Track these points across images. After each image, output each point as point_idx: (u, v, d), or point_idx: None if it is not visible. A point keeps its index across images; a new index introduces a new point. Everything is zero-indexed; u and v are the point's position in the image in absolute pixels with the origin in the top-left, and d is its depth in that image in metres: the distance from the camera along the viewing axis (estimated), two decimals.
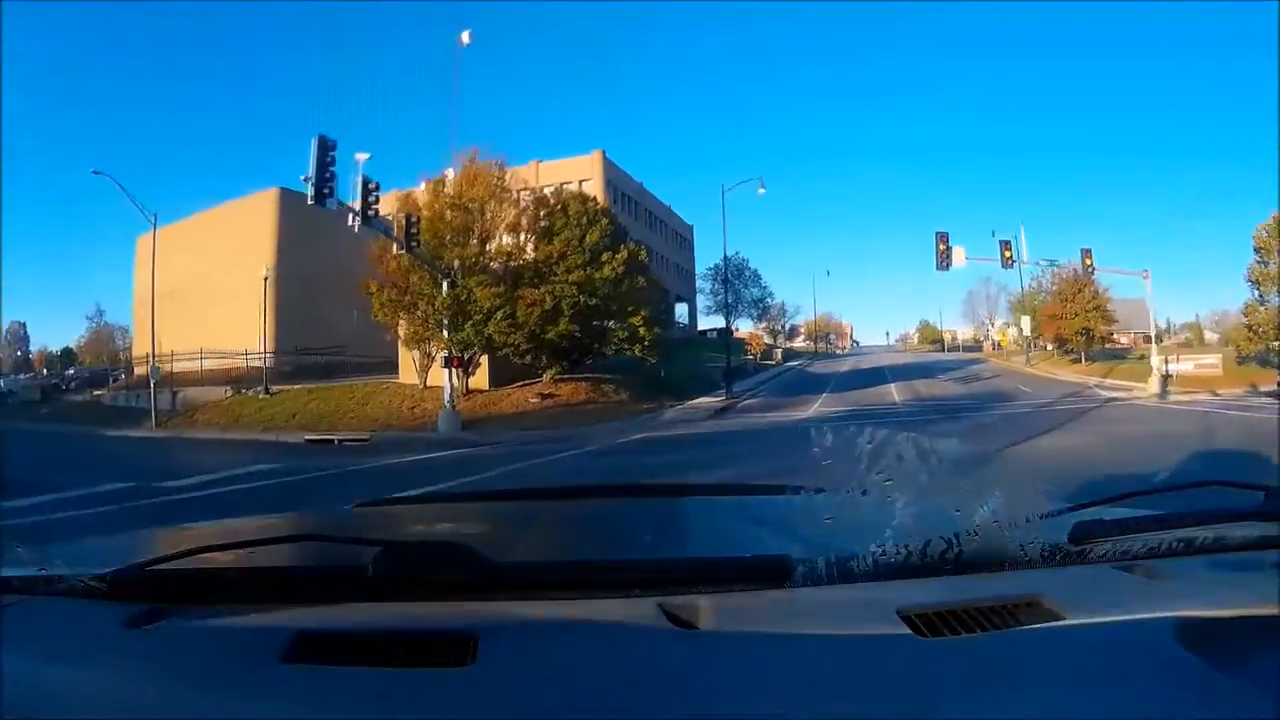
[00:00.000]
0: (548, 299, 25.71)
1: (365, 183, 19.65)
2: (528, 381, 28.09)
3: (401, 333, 26.91)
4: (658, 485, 3.51)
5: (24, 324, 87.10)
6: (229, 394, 30.19)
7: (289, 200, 42.31)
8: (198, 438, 24.55)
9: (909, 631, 1.04)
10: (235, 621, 1.18)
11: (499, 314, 24.94)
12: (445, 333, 24.70)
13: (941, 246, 31.16)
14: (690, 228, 68.85)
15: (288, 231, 44.16)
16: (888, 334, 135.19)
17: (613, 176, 47.74)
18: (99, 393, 37.38)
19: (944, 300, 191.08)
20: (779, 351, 71.72)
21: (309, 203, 18.43)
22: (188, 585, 1.27)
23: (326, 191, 18.15)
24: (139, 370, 33.16)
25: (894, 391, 31.79)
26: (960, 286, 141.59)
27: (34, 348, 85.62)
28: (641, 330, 28.05)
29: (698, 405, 28.25)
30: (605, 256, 27.27)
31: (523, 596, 1.21)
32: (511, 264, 26.99)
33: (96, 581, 1.26)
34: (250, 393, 29.76)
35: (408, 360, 28.40)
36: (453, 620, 1.13)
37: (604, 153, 48.54)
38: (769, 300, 77.59)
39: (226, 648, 1.11)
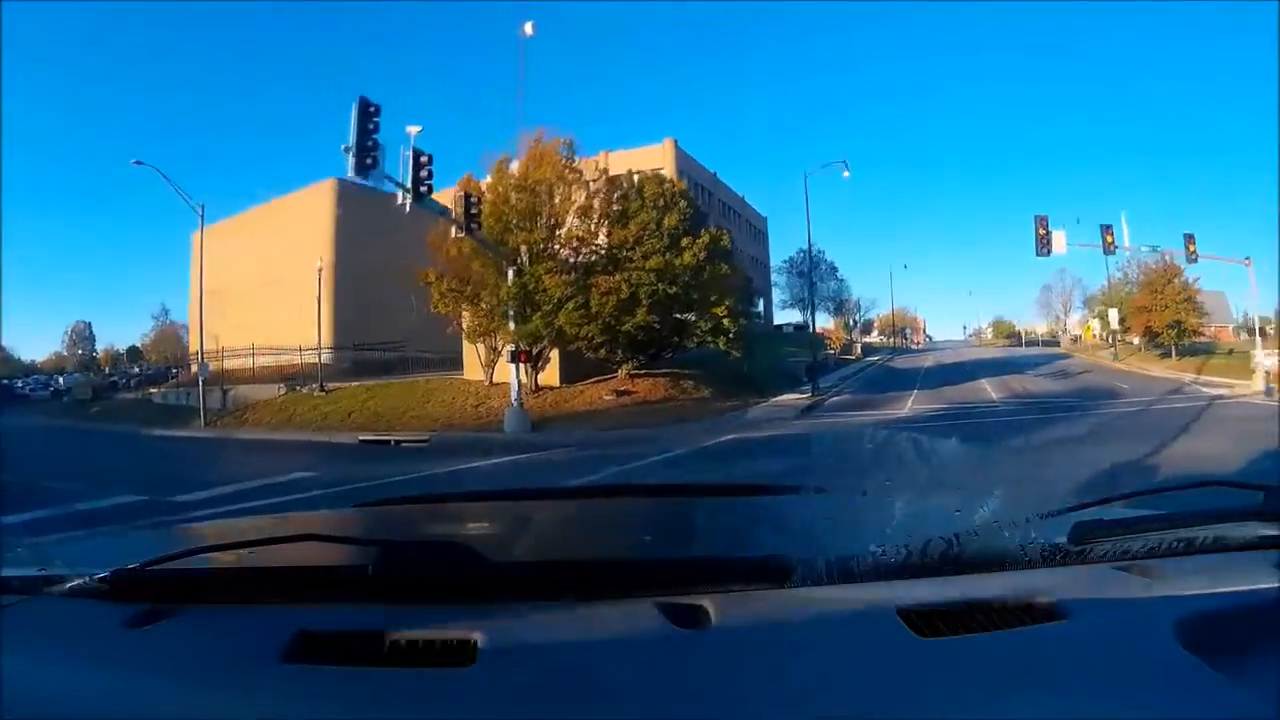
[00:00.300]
0: (624, 287, 24.17)
1: (417, 155, 18.10)
2: (601, 377, 26.99)
3: (465, 325, 25.69)
4: (658, 485, 3.45)
5: (89, 324, 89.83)
6: (282, 392, 29.52)
7: (347, 192, 42.98)
8: (244, 438, 23.91)
9: (909, 631, 1.06)
10: (235, 621, 1.20)
11: (570, 304, 23.48)
12: (511, 324, 23.29)
13: (1041, 231, 29.68)
14: (764, 219, 66.95)
15: (346, 224, 44.21)
16: (964, 328, 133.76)
17: (685, 166, 45.74)
18: (154, 391, 36.23)
19: (1017, 294, 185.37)
20: (858, 346, 70.79)
21: (349, 175, 17.09)
22: (188, 585, 1.30)
23: (369, 162, 16.54)
24: (194, 368, 31.78)
25: (988, 388, 30.02)
26: (1033, 280, 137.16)
27: (100, 347, 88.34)
28: (725, 321, 26.33)
29: (782, 403, 26.54)
30: (685, 241, 25.55)
31: (523, 597, 1.21)
32: (583, 250, 25.66)
33: (97, 581, 1.27)
34: (305, 390, 29.09)
35: (472, 355, 27.22)
36: (453, 620, 1.14)
37: (675, 141, 46.81)
38: (845, 294, 74.82)
39: (226, 648, 1.12)
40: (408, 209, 18.34)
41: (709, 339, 26.83)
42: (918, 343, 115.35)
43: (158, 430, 26.64)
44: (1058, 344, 78.40)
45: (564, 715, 0.92)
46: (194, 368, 32.19)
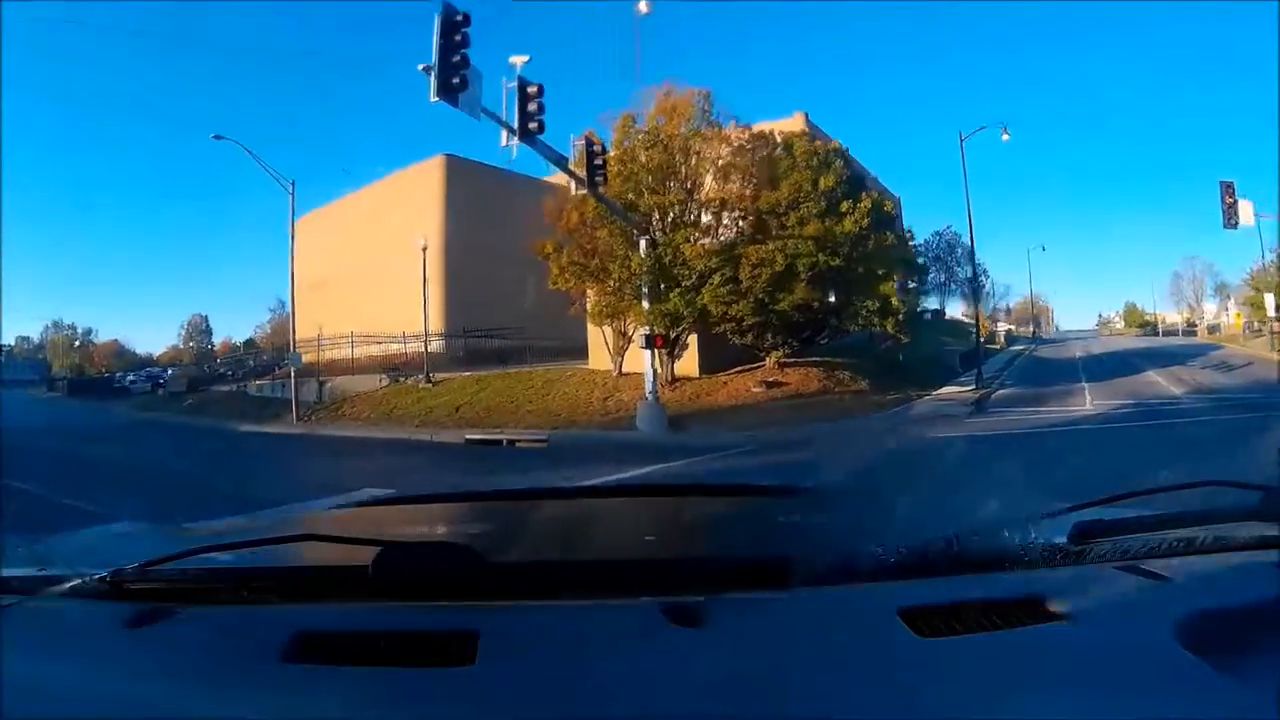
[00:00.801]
0: (779, 258, 21.23)
1: (523, 86, 15.47)
2: (746, 366, 24.47)
3: (589, 305, 23.45)
4: (658, 486, 3.49)
5: (205, 317, 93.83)
6: (384, 383, 28.07)
7: (456, 168, 41.06)
8: (333, 435, 22.37)
9: (909, 631, 1.06)
10: (235, 621, 1.23)
11: (716, 277, 20.95)
12: (645, 303, 20.69)
13: (1228, 199, 26.94)
14: (897, 199, 60.85)
15: (457, 202, 42.07)
16: (1100, 315, 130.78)
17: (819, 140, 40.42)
18: (255, 382, 36.74)
19: (1146, 280, 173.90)
20: (1001, 334, 69.30)
21: (431, 98, 13.50)
22: (188, 585, 1.33)
23: (456, 82, 13.47)
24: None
25: (1161, 380, 27.32)
26: (1159, 267, 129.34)
27: (218, 339, 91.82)
28: (894, 301, 23.70)
29: (947, 396, 23.97)
30: (844, 206, 22.32)
31: (523, 596, 1.23)
32: (726, 216, 23.23)
33: (97, 581, 1.30)
34: (409, 381, 27.50)
35: (598, 341, 25.35)
36: (453, 620, 1.15)
37: (807, 115, 41.70)
38: (983, 278, 69.75)
39: (226, 647, 1.14)
40: (514, 153, 15.83)
41: (875, 321, 23.90)
42: (1048, 332, 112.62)
43: (246, 425, 25.86)
44: (1195, 333, 73.92)
45: (564, 715, 0.93)
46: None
